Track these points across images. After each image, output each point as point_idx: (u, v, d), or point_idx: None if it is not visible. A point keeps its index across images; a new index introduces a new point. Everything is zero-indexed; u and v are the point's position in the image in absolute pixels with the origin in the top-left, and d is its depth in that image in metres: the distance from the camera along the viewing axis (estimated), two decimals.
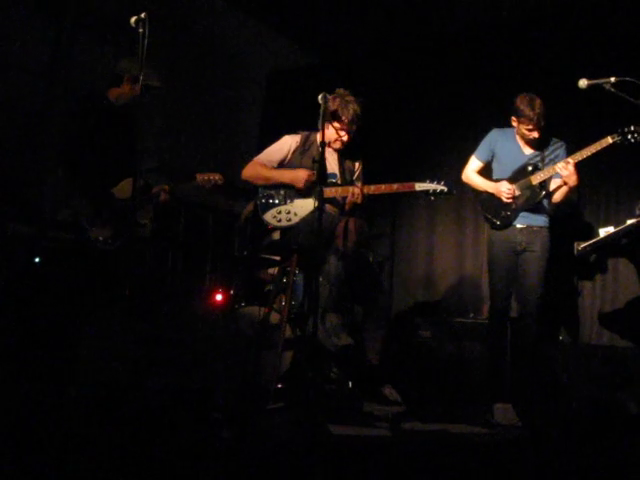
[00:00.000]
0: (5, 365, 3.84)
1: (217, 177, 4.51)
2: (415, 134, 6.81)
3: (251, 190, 4.67)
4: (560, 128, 5.02)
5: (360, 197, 4.36)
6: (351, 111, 4.44)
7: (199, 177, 4.50)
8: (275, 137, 4.62)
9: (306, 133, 4.55)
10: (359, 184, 4.61)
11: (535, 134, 4.66)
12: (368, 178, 4.67)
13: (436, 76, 6.69)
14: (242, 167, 4.57)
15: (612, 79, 4.21)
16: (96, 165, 4.37)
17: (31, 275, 4.09)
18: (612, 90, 4.22)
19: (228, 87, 7.24)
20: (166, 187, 4.44)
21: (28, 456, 2.57)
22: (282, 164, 4.52)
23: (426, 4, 6.50)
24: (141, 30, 3.51)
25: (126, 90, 4.49)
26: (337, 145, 4.55)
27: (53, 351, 3.85)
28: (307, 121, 4.42)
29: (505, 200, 4.69)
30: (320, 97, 3.91)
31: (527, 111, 4.56)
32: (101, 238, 4.28)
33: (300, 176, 4.37)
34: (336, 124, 4.46)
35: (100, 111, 4.47)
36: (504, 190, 4.69)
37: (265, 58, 7.70)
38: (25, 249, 4.24)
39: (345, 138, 4.52)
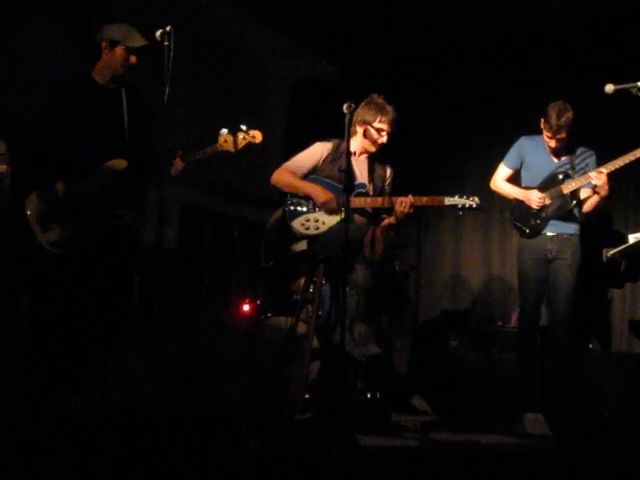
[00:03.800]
0: (35, 375, 3.85)
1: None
2: (441, 143, 6.80)
3: (276, 200, 4.67)
4: (587, 135, 4.98)
5: (409, 207, 4.32)
6: (390, 111, 4.44)
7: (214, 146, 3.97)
8: (300, 147, 4.60)
9: (337, 141, 4.51)
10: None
11: (552, 143, 4.64)
12: (394, 190, 4.64)
13: (461, 84, 6.68)
14: (267, 178, 4.56)
15: (639, 83, 4.17)
16: (68, 157, 3.89)
17: (58, 286, 4.02)
18: (639, 95, 4.17)
19: (252, 99, 7.28)
20: (178, 153, 3.91)
21: (54, 468, 2.59)
22: (313, 171, 4.49)
23: (450, 13, 6.49)
24: (166, 43, 3.52)
25: (118, 57, 3.93)
26: (374, 148, 4.52)
27: (81, 367, 3.84)
28: (332, 131, 4.41)
29: (535, 208, 4.66)
30: (345, 106, 3.89)
31: (551, 118, 4.55)
32: (44, 242, 3.82)
33: (319, 198, 4.35)
34: (378, 124, 4.44)
35: (82, 95, 3.95)
36: (534, 199, 4.65)
37: (289, 69, 7.74)
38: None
39: (385, 139, 4.49)
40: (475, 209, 4.36)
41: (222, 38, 6.99)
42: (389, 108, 4.46)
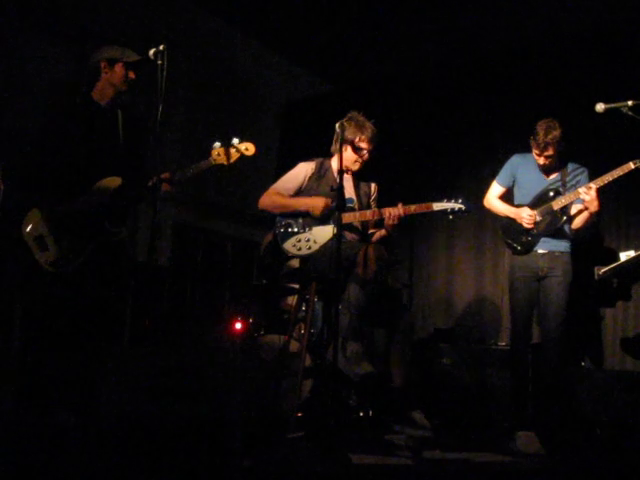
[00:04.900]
0: (27, 395, 3.83)
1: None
2: (431, 158, 6.82)
3: (268, 219, 4.67)
4: (579, 153, 5.01)
5: (397, 217, 4.32)
6: (369, 130, 4.46)
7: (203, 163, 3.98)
8: (293, 165, 4.63)
9: (320, 159, 4.55)
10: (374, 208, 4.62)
11: (540, 160, 4.68)
12: (384, 203, 4.65)
13: (452, 100, 6.71)
14: (259, 196, 4.57)
15: (629, 102, 4.21)
16: (64, 175, 3.90)
17: (52, 302, 4.00)
18: (630, 113, 4.21)
19: (245, 117, 7.30)
20: (166, 175, 3.87)
21: None
22: (299, 191, 4.51)
23: (442, 32, 6.55)
24: (160, 62, 3.54)
25: (118, 75, 3.97)
26: (356, 166, 4.53)
27: (74, 383, 3.83)
28: (324, 148, 4.43)
29: (526, 226, 4.69)
30: (337, 125, 3.94)
31: (538, 135, 4.59)
32: (42, 262, 3.82)
33: (317, 204, 4.36)
34: (357, 143, 4.45)
35: (80, 114, 3.98)
36: (525, 216, 4.68)
37: (281, 87, 7.78)
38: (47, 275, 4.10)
39: (365, 157, 4.51)
40: (464, 212, 4.35)
41: (216, 56, 7.02)
42: (368, 126, 4.48)
